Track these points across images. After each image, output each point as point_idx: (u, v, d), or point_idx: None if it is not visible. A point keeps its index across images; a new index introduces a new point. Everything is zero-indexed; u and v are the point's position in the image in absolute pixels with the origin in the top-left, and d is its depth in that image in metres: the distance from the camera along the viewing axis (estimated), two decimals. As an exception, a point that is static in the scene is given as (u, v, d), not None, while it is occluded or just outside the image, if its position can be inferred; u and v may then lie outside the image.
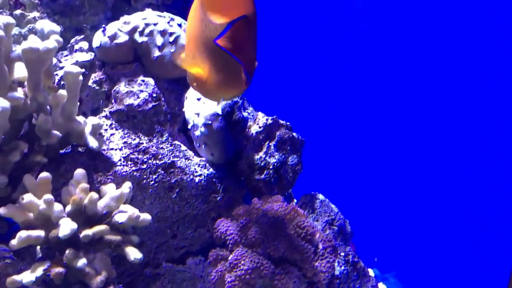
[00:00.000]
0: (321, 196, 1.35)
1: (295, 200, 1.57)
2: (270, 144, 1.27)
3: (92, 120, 1.04)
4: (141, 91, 1.18)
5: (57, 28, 0.99)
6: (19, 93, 0.91)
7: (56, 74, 1.17)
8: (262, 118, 1.29)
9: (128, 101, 1.16)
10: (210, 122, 1.17)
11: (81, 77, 1.00)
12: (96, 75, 1.24)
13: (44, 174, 0.90)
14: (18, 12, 1.26)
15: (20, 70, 0.95)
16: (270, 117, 1.30)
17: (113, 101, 1.19)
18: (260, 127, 1.27)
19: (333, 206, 1.34)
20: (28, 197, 0.87)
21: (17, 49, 0.93)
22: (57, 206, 0.88)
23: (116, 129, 1.15)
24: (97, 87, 1.22)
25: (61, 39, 0.98)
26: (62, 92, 1.00)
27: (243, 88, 0.85)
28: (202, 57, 0.84)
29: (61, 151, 1.06)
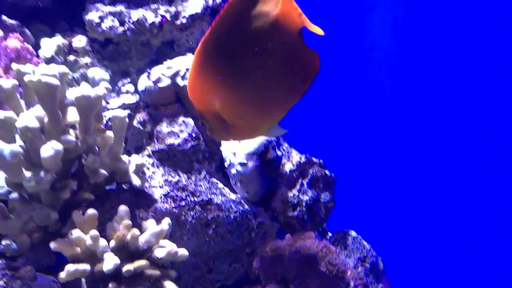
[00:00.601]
0: (353, 233, 1.38)
1: (329, 234, 1.60)
2: (303, 181, 1.31)
3: (136, 160, 1.12)
4: (182, 131, 1.26)
5: (107, 76, 1.08)
6: (71, 136, 0.99)
7: (104, 116, 1.26)
8: (295, 156, 1.34)
9: (169, 140, 1.24)
10: (245, 161, 1.22)
11: (127, 120, 1.08)
12: (140, 116, 1.32)
13: (91, 211, 0.98)
14: (71, 58, 1.37)
15: (72, 114, 1.04)
16: (304, 155, 1.35)
17: (155, 140, 1.27)
18: (293, 165, 1.32)
19: (365, 243, 1.36)
20: (76, 233, 0.95)
21: (71, 95, 1.02)
22: (102, 242, 0.94)
23: (158, 167, 1.22)
24: (141, 127, 1.31)
25: (109, 86, 1.06)
26: (110, 133, 1.08)
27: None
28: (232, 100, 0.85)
29: (106, 188, 1.14)
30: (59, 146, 0.94)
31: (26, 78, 0.94)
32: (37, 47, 1.35)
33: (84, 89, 0.98)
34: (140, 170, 1.12)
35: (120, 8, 1.37)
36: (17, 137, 0.96)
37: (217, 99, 0.84)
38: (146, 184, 1.16)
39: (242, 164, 1.22)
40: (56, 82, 0.95)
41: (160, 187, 1.17)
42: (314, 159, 1.35)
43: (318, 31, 0.78)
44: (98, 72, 1.07)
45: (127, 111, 1.28)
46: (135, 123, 1.32)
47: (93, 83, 1.07)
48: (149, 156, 1.25)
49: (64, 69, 1.01)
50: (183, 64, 1.30)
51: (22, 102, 1.03)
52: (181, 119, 1.28)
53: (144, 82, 1.30)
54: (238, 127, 0.91)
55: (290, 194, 1.28)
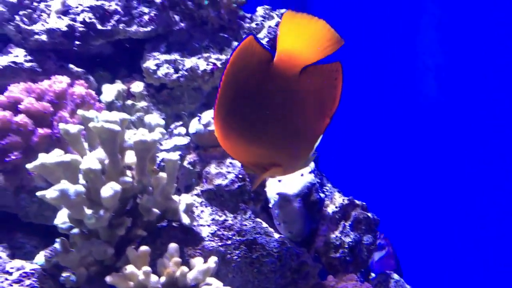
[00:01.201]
0: (396, 276, 1.38)
1: (372, 275, 1.61)
2: (346, 223, 1.34)
3: (186, 199, 1.19)
4: (229, 172, 1.33)
5: (162, 122, 1.16)
6: (129, 177, 1.08)
7: (158, 157, 1.35)
8: (338, 198, 1.37)
9: (217, 181, 1.31)
10: (289, 202, 1.27)
11: (178, 162, 1.16)
12: (190, 157, 1.40)
13: (144, 248, 1.05)
14: (129, 102, 1.48)
15: (130, 156, 1.13)
16: (346, 198, 1.39)
17: (204, 180, 1.35)
18: (336, 207, 1.35)
19: (408, 286, 1.36)
20: (129, 268, 1.02)
21: (130, 140, 1.11)
22: (153, 277, 1.01)
23: (206, 207, 1.29)
24: (191, 167, 1.39)
25: (164, 131, 1.15)
26: (162, 174, 1.16)
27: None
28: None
29: (158, 225, 1.21)
30: (117, 187, 1.02)
31: (91, 124, 1.04)
32: (99, 92, 1.48)
33: (141, 135, 1.07)
34: (189, 209, 1.19)
35: (175, 56, 1.48)
36: (80, 177, 1.06)
37: (248, 149, 0.89)
38: (195, 223, 1.22)
39: (286, 205, 1.27)
40: (117, 128, 1.04)
41: (208, 225, 1.23)
42: (357, 202, 1.38)
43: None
44: (154, 118, 1.16)
45: (178, 153, 1.37)
46: (185, 163, 1.40)
47: (150, 128, 1.16)
48: (198, 195, 1.32)
49: (124, 115, 1.11)
50: (231, 109, 1.38)
51: (86, 144, 1.14)
52: (228, 160, 1.35)
53: (195, 125, 1.38)
54: (278, 168, 0.97)
55: (333, 235, 1.31)
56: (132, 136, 1.11)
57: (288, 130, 0.87)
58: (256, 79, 0.82)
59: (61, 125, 1.08)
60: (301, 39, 0.81)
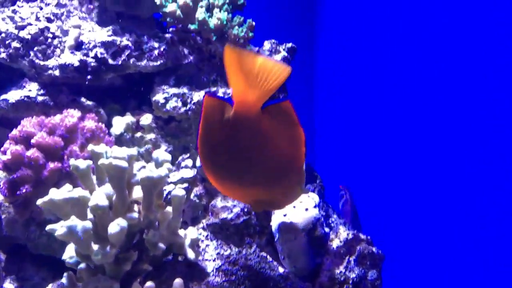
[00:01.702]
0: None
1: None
2: (350, 258, 1.34)
3: (191, 234, 1.21)
4: (234, 206, 1.34)
5: (169, 157, 1.19)
6: (135, 213, 1.10)
7: (165, 189, 1.37)
8: (343, 233, 1.38)
9: (223, 215, 1.33)
10: (294, 237, 1.28)
11: (185, 197, 1.18)
12: (197, 189, 1.43)
13: (149, 284, 1.06)
14: (138, 134, 1.51)
15: (137, 192, 1.15)
16: (351, 232, 1.39)
17: (210, 213, 1.36)
18: (341, 242, 1.36)
19: None
20: (135, 303, 1.03)
21: (137, 175, 1.13)
22: (158, 314, 1.02)
23: (211, 240, 1.30)
24: (197, 200, 1.41)
25: (171, 166, 1.18)
26: (169, 209, 1.18)
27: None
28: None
29: (163, 259, 1.23)
30: (124, 223, 1.04)
31: (100, 161, 1.07)
32: (109, 124, 1.51)
33: (148, 171, 1.10)
34: (195, 244, 1.20)
35: (183, 90, 1.51)
36: (88, 211, 1.08)
37: (239, 190, 0.94)
38: (200, 257, 1.24)
39: (290, 240, 1.28)
40: (125, 164, 1.07)
41: (213, 260, 1.24)
42: (362, 236, 1.39)
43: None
44: (162, 154, 1.19)
45: (185, 185, 1.39)
46: (192, 196, 1.42)
47: (157, 163, 1.18)
48: (204, 228, 1.33)
49: (132, 151, 1.13)
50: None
51: (94, 178, 1.16)
52: (234, 194, 1.36)
53: (202, 158, 1.40)
54: (271, 202, 1.01)
55: (337, 270, 1.32)
56: (139, 172, 1.14)
57: (266, 168, 0.94)
58: (224, 130, 0.89)
59: (72, 161, 1.11)
60: (250, 80, 0.85)
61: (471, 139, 1.69)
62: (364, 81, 2.64)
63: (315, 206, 1.32)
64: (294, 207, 1.32)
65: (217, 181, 0.94)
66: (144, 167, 1.43)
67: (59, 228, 1.00)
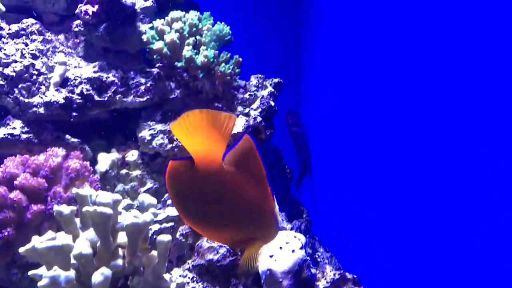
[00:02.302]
0: None
1: None
2: (337, 299, 1.34)
3: (177, 279, 1.19)
4: (221, 246, 1.33)
5: (154, 201, 1.18)
6: (120, 260, 1.09)
7: (150, 229, 1.36)
8: (330, 273, 1.38)
9: (209, 256, 1.31)
10: (280, 279, 1.27)
11: (170, 242, 1.16)
12: (183, 228, 1.41)
13: (134, 334, 1.05)
14: (124, 171, 1.50)
15: (122, 237, 1.14)
16: (338, 272, 1.39)
17: (196, 254, 1.35)
18: (327, 282, 1.35)
19: None
20: None
21: (122, 221, 1.12)
22: None
23: (197, 282, 1.29)
24: (183, 239, 1.40)
25: (157, 211, 1.17)
26: (154, 253, 1.17)
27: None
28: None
29: (148, 303, 1.21)
30: (108, 272, 1.03)
31: (84, 209, 1.06)
32: (94, 160, 1.50)
33: (133, 218, 1.09)
34: (180, 289, 1.19)
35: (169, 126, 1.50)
36: (72, 259, 1.07)
37: (218, 234, 0.96)
38: (185, 301, 1.22)
39: (276, 282, 1.27)
40: (109, 211, 1.06)
41: (198, 304, 1.23)
42: (348, 275, 1.38)
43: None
44: (147, 198, 1.18)
45: (171, 225, 1.38)
46: (177, 235, 1.40)
47: (142, 207, 1.17)
48: (189, 270, 1.32)
49: (116, 196, 1.12)
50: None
51: (78, 220, 1.15)
52: (220, 234, 1.36)
53: (188, 197, 1.39)
54: (248, 243, 1.01)
55: (324, 312, 1.31)
56: (124, 217, 1.13)
57: (236, 213, 0.93)
58: (191, 184, 0.90)
59: (55, 207, 1.10)
60: (200, 137, 0.86)
61: (471, 139, 1.70)
62: (354, 112, 2.66)
63: (301, 248, 1.31)
64: (280, 248, 1.31)
65: (193, 225, 0.96)
66: (130, 205, 1.42)
67: (41, 279, 0.98)
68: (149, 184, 1.50)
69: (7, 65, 1.41)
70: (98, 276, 1.01)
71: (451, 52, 1.76)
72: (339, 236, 2.70)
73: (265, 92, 1.61)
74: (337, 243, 2.54)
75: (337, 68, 2.94)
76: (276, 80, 1.66)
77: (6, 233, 1.22)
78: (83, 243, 1.05)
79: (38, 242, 1.03)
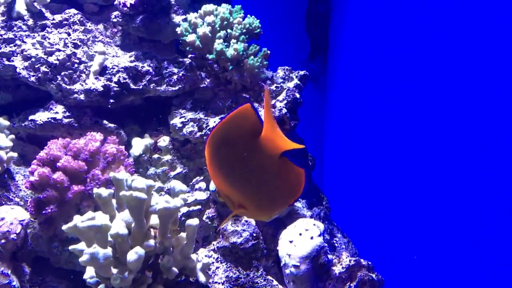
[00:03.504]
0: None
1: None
2: (351, 284, 1.42)
3: (203, 259, 1.29)
4: (244, 230, 1.43)
5: (184, 187, 1.27)
6: (152, 240, 1.19)
7: (179, 211, 1.46)
8: (345, 259, 1.46)
9: (233, 239, 1.41)
10: (298, 264, 1.36)
11: (198, 226, 1.26)
12: (209, 211, 1.51)
13: (163, 307, 1.15)
14: (155, 155, 1.60)
15: (154, 219, 1.24)
16: (353, 258, 1.47)
17: (220, 236, 1.45)
18: (343, 268, 1.44)
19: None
20: (149, 325, 1.12)
21: (155, 206, 1.22)
22: (170, 336, 1.11)
23: (221, 263, 1.39)
24: (209, 222, 1.49)
25: (186, 197, 1.26)
26: (183, 235, 1.27)
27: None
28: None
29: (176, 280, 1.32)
30: (142, 251, 1.14)
31: (121, 193, 1.16)
32: (129, 144, 1.60)
33: (165, 202, 1.18)
34: (205, 269, 1.29)
35: (199, 115, 1.59)
36: (109, 237, 1.17)
37: (224, 182, 0.99)
38: (210, 280, 1.33)
39: (295, 266, 1.36)
40: (144, 196, 1.16)
41: (222, 283, 1.33)
42: (363, 262, 1.46)
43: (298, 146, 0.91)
44: (178, 185, 1.27)
45: (198, 208, 1.48)
46: (204, 217, 1.50)
47: (174, 193, 1.27)
48: (214, 251, 1.42)
49: (150, 182, 1.22)
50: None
51: (114, 202, 1.25)
52: (244, 218, 1.45)
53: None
54: (244, 210, 1.06)
55: (338, 296, 1.40)
56: (157, 201, 1.23)
57: (256, 190, 0.96)
58: (243, 141, 0.92)
59: (95, 190, 1.20)
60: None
61: (471, 139, 1.74)
62: (376, 108, 2.69)
63: (319, 235, 1.40)
64: (300, 234, 1.40)
65: (210, 161, 0.95)
66: (161, 188, 1.52)
67: (82, 255, 1.09)
68: (179, 169, 1.59)
69: (51, 53, 1.51)
70: (133, 255, 1.12)
71: (451, 52, 1.78)
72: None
73: (291, 84, 1.68)
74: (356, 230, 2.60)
75: (343, 69, 2.98)
76: (302, 72, 1.72)
77: (49, 210, 1.34)
78: (120, 223, 1.15)
79: (79, 221, 1.14)
